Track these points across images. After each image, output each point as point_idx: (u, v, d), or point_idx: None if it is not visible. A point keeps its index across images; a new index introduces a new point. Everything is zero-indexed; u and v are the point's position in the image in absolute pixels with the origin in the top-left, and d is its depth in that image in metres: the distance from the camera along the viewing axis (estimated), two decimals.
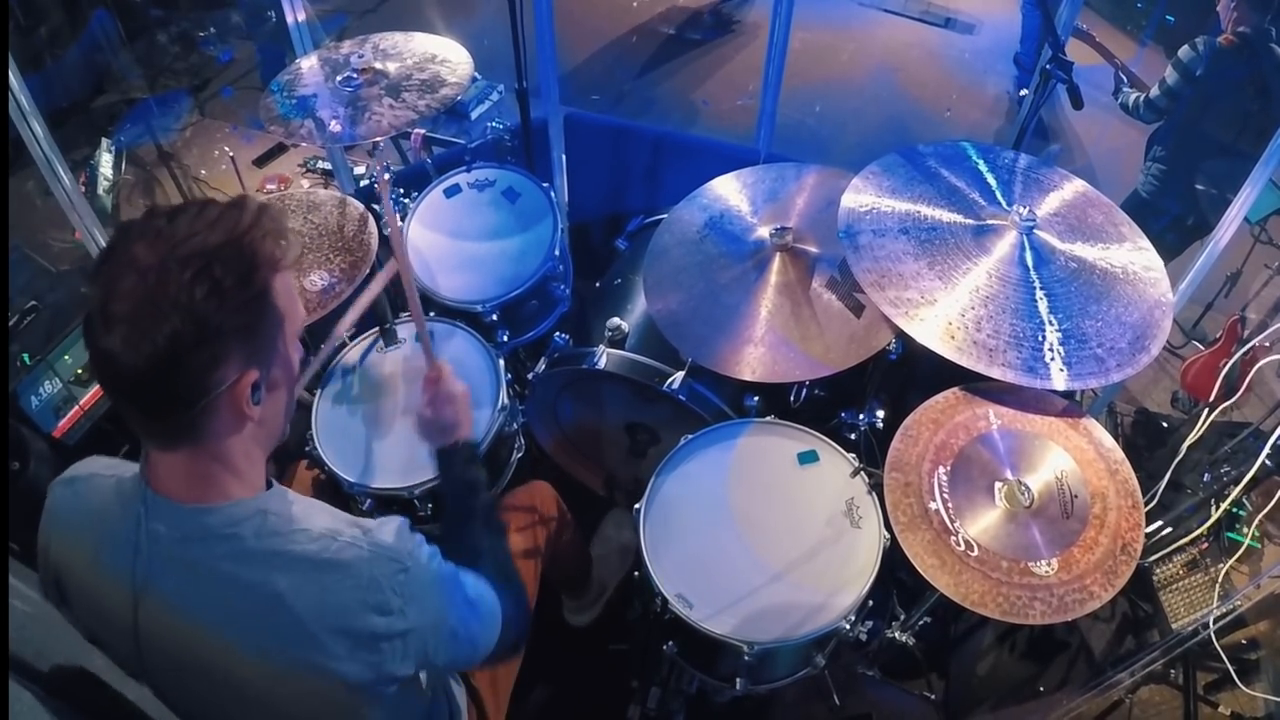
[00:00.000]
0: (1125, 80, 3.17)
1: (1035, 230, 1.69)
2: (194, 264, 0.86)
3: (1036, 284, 1.63)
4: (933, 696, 2.10)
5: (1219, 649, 1.96)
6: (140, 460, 1.00)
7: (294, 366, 1.03)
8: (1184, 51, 2.94)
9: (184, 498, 0.96)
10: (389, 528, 1.03)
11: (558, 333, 2.08)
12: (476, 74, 2.15)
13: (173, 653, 1.01)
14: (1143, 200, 3.06)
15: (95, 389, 2.24)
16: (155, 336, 0.85)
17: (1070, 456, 1.58)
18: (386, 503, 1.79)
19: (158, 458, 0.97)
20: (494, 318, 2.08)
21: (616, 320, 1.99)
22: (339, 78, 2.13)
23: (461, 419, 1.37)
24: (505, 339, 2.11)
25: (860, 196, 1.79)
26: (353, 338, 1.98)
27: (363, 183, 3.34)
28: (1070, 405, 1.65)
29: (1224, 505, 2.12)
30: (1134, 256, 1.72)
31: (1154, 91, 3.03)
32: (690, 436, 1.77)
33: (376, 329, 1.97)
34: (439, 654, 1.05)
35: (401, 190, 2.31)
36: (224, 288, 0.88)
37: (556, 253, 2.13)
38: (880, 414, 1.86)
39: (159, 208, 0.93)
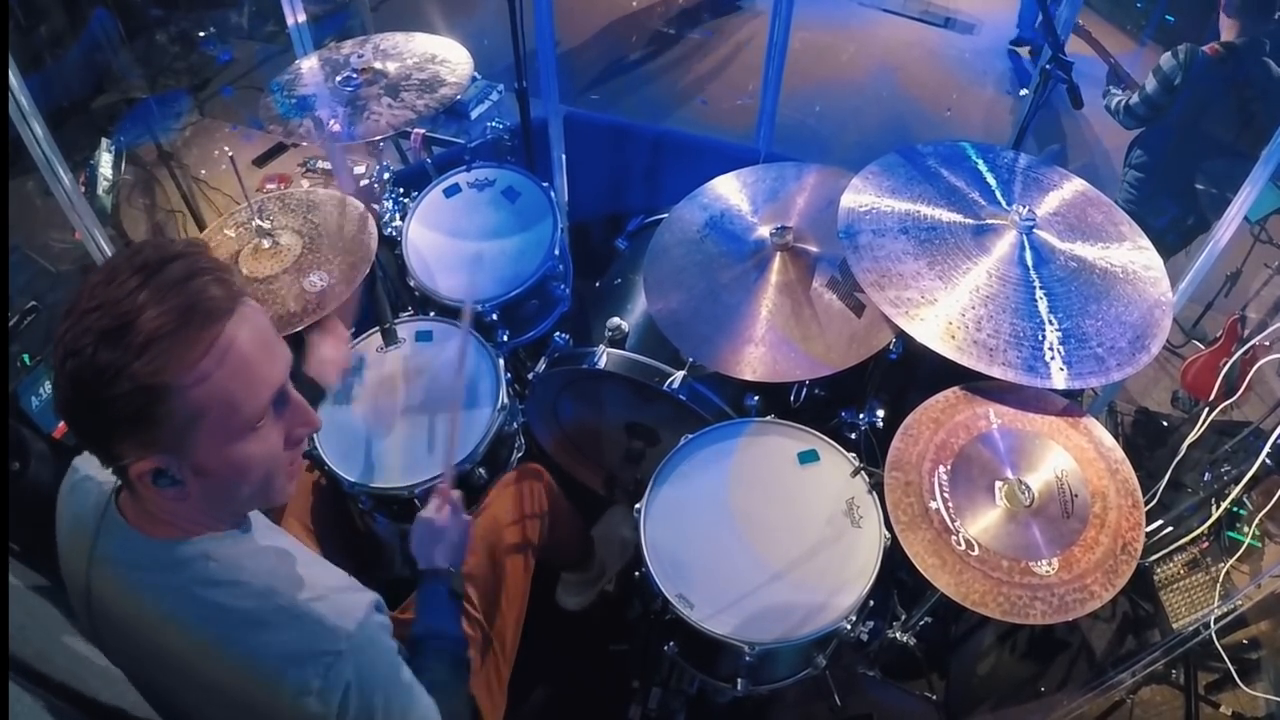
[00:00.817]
0: (1118, 81, 3.16)
1: (1035, 230, 1.69)
2: (71, 366, 0.84)
3: (1036, 283, 1.63)
4: (933, 697, 2.10)
5: (1220, 649, 1.96)
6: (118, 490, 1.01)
7: (251, 452, 0.94)
8: (1165, 59, 2.92)
9: (139, 525, 0.97)
10: (347, 601, 0.98)
11: (558, 332, 2.08)
12: (476, 74, 2.15)
13: (127, 661, 1.01)
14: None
15: None
16: (59, 396, 0.86)
17: (1070, 456, 1.58)
18: (386, 502, 1.79)
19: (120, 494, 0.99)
20: (494, 318, 2.07)
21: (616, 320, 1.99)
22: (339, 77, 2.13)
23: (460, 546, 1.37)
24: (505, 339, 2.11)
25: (860, 196, 1.79)
26: (353, 337, 1.98)
27: (362, 183, 3.33)
28: (1070, 404, 1.65)
29: (1224, 504, 2.12)
30: (1134, 256, 1.72)
31: (1134, 98, 3.02)
32: (690, 436, 1.77)
33: (376, 329, 1.97)
34: None
35: (401, 190, 2.31)
36: (89, 388, 0.83)
37: (556, 252, 2.13)
38: (880, 413, 1.86)
39: (117, 256, 0.90)
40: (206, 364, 0.87)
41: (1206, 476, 2.26)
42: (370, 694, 0.98)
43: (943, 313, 1.58)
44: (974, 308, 1.59)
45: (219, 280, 0.89)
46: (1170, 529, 2.23)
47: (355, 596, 1.01)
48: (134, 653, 1.01)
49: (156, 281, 0.85)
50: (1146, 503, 1.77)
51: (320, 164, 3.77)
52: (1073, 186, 1.84)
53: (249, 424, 0.93)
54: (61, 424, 2.18)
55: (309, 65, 2.22)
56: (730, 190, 2.03)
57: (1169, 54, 2.92)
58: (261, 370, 0.92)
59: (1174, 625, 2.15)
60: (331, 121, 2.02)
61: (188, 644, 0.96)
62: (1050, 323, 1.58)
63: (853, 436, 1.88)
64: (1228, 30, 2.88)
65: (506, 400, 1.86)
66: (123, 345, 0.83)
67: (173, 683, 1.00)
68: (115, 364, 0.83)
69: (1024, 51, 4.86)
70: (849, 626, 1.55)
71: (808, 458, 1.74)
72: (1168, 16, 4.69)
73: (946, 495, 1.52)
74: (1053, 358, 1.54)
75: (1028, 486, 1.53)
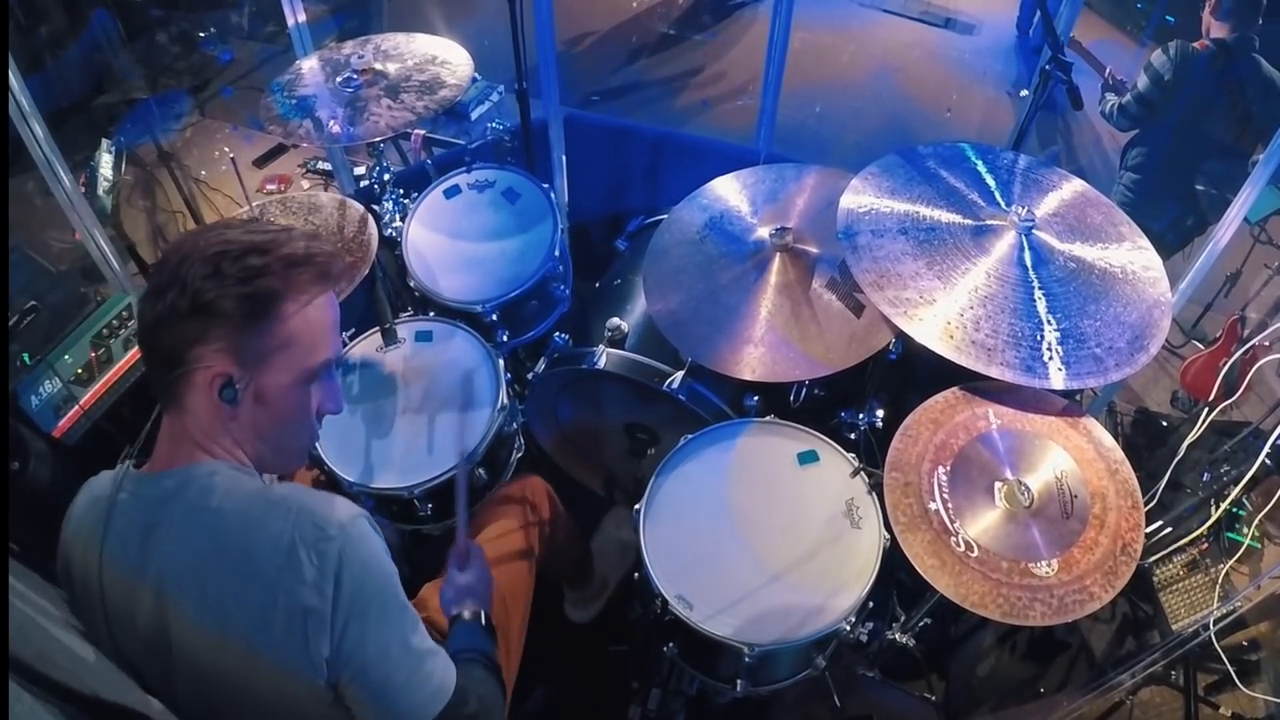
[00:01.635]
0: (1111, 88, 3.17)
1: (1034, 230, 1.69)
2: (213, 251, 0.99)
3: (1035, 284, 1.63)
4: (933, 698, 2.10)
5: (1219, 650, 1.96)
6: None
7: (300, 400, 1.07)
8: (1155, 56, 2.93)
9: (154, 468, 1.04)
10: (339, 504, 1.02)
11: (557, 333, 2.08)
12: (476, 74, 2.15)
13: (134, 620, 1.02)
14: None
15: (95, 388, 2.24)
16: (159, 301, 0.99)
17: (1070, 456, 1.58)
18: (386, 502, 1.79)
19: (162, 424, 1.05)
20: (494, 318, 2.08)
21: (616, 320, 1.99)
22: (339, 78, 2.13)
23: (488, 585, 1.43)
24: (505, 339, 2.11)
25: (859, 197, 1.79)
26: (353, 338, 1.98)
27: (363, 183, 3.34)
28: (1070, 405, 1.65)
29: (1224, 505, 2.12)
30: (1133, 256, 1.72)
31: (1127, 98, 3.02)
32: (690, 436, 1.77)
33: (377, 329, 1.97)
34: (350, 664, 0.99)
35: (401, 191, 2.31)
36: (225, 276, 0.98)
37: (556, 253, 2.13)
38: (880, 414, 1.86)
39: (249, 215, 1.08)
40: (314, 304, 1.05)
41: (1206, 477, 2.26)
42: (363, 585, 1.00)
43: (941, 313, 1.58)
44: (973, 308, 1.59)
45: (339, 256, 1.11)
46: (1170, 530, 2.23)
47: (348, 504, 1.04)
48: (143, 616, 1.01)
49: (282, 228, 1.06)
50: (1146, 503, 1.77)
51: (320, 165, 3.77)
52: (1072, 187, 1.85)
53: (312, 374, 1.07)
54: (62, 423, 2.18)
55: (309, 66, 2.22)
56: (730, 191, 2.04)
57: (1159, 50, 2.92)
58: (333, 336, 1.09)
59: (1173, 626, 2.14)
60: (331, 122, 2.03)
61: (190, 565, 0.98)
62: (1049, 323, 1.58)
63: (852, 437, 1.88)
64: (1216, 30, 2.89)
65: (506, 400, 1.86)
66: (270, 252, 1.01)
67: (180, 642, 1.00)
68: (261, 261, 1.00)
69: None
70: (848, 627, 1.55)
71: (807, 458, 1.74)
72: (1168, 17, 4.69)
73: (946, 496, 1.52)
74: (1051, 358, 1.54)
75: (1027, 487, 1.53)
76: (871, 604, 1.60)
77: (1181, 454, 2.21)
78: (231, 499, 1.00)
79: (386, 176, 2.31)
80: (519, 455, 1.99)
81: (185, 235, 1.04)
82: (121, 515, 1.02)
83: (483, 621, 1.37)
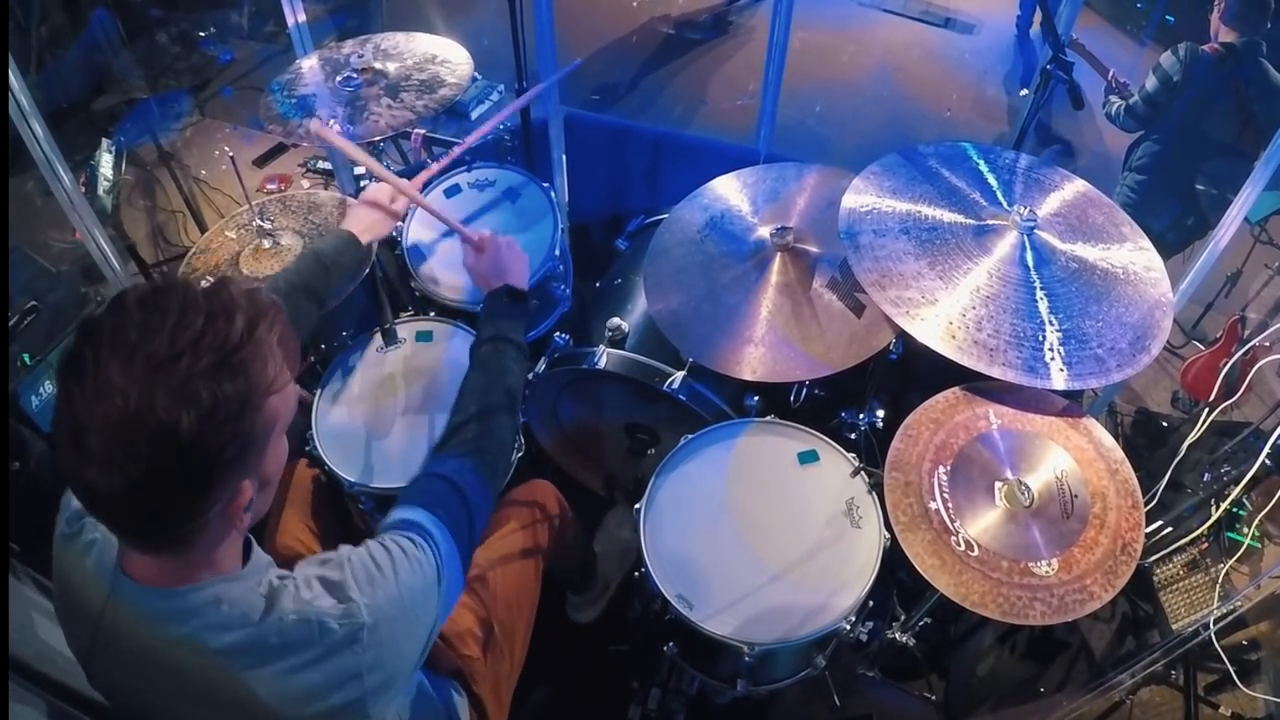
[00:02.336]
0: (1115, 90, 3.17)
1: (1036, 230, 1.69)
2: (182, 393, 0.77)
3: (1037, 284, 1.63)
4: (933, 697, 2.10)
5: (1219, 649, 1.96)
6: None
7: (284, 452, 0.94)
8: (1165, 58, 2.94)
9: (152, 583, 0.91)
10: (349, 584, 0.95)
11: (558, 333, 2.08)
12: (476, 74, 2.15)
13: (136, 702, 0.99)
14: None
15: None
16: (130, 473, 0.77)
17: (1070, 456, 1.58)
18: (386, 502, 1.79)
19: (129, 553, 0.92)
20: None
21: (616, 320, 1.99)
22: (339, 78, 2.13)
23: (514, 264, 1.54)
24: None
25: (861, 197, 1.79)
26: (352, 337, 1.98)
27: (363, 183, 3.34)
28: (1070, 405, 1.65)
29: (1224, 505, 2.12)
30: (1134, 257, 1.72)
31: (1134, 99, 3.03)
32: (690, 436, 1.77)
33: (377, 329, 1.97)
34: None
35: None
36: (217, 418, 0.79)
37: (556, 253, 2.13)
38: (880, 414, 1.86)
39: (127, 301, 0.81)
40: (278, 367, 0.87)
41: (1206, 477, 2.26)
42: (404, 625, 0.98)
43: (943, 313, 1.58)
44: (975, 308, 1.59)
45: (249, 290, 0.88)
46: (1170, 530, 2.23)
47: (348, 569, 0.98)
48: (146, 700, 0.98)
49: (230, 303, 0.83)
50: (1146, 503, 1.77)
51: (320, 164, 3.77)
52: (1074, 187, 1.85)
53: (289, 418, 0.92)
54: None
55: (309, 65, 2.22)
56: (730, 191, 2.03)
57: (1169, 52, 2.93)
58: (293, 360, 0.92)
59: (1173, 626, 2.14)
60: (331, 122, 2.03)
61: (224, 695, 0.92)
62: (1051, 323, 1.58)
63: (852, 437, 1.88)
64: (1224, 34, 2.89)
65: None
66: (241, 376, 0.81)
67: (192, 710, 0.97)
68: (241, 396, 0.81)
69: (1036, 21, 4.86)
70: (848, 627, 1.55)
71: (807, 458, 1.74)
72: (1168, 16, 4.69)
73: (946, 496, 1.52)
74: (1053, 358, 1.54)
75: (1027, 487, 1.54)
76: (871, 603, 1.60)
77: (1182, 454, 2.21)
78: (244, 634, 0.91)
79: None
80: (519, 455, 1.99)
81: (91, 361, 0.78)
82: (115, 623, 0.93)
83: (517, 298, 1.52)
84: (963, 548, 1.46)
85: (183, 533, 0.86)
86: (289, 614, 0.92)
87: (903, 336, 1.69)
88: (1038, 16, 4.71)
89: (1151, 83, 2.96)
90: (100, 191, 3.40)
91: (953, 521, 1.49)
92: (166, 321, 0.79)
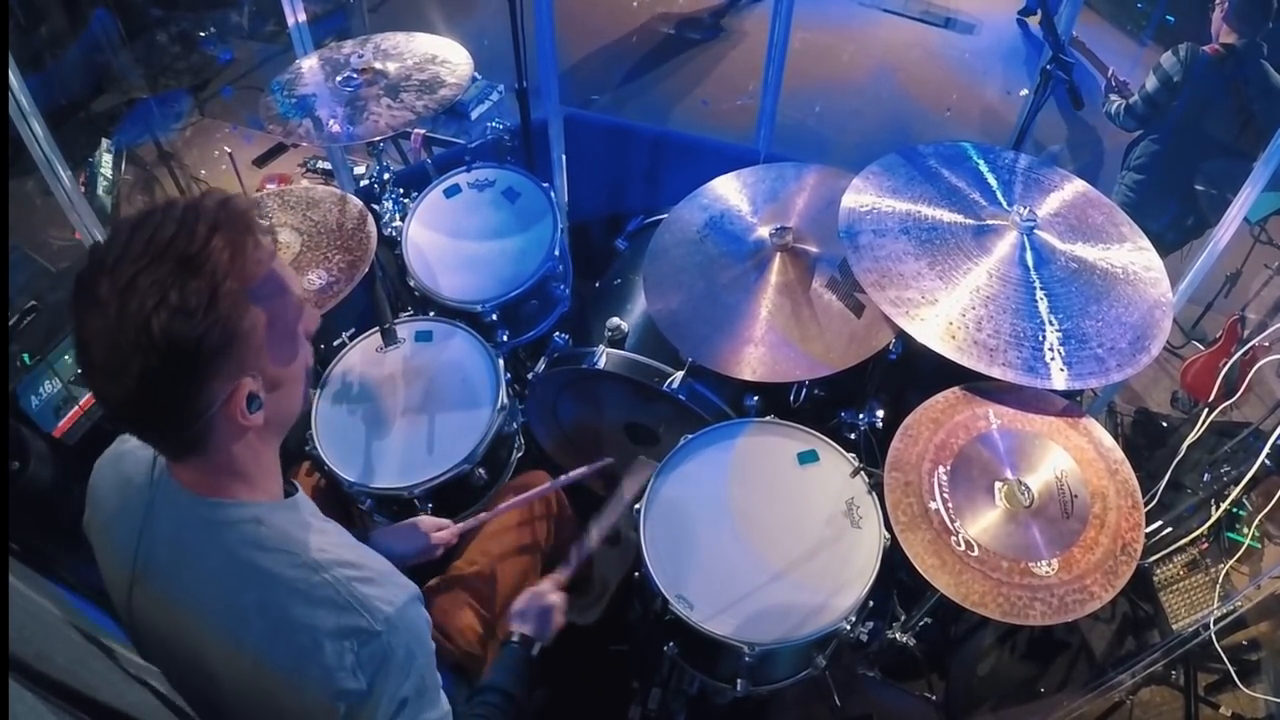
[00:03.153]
0: (1114, 89, 3.17)
1: (1036, 230, 1.69)
2: (151, 296, 0.83)
3: (1037, 284, 1.63)
4: (933, 697, 2.10)
5: (1219, 650, 1.96)
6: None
7: (299, 352, 0.99)
8: (1165, 58, 2.94)
9: (195, 489, 0.97)
10: (390, 587, 0.99)
11: (557, 333, 2.08)
12: (476, 74, 2.15)
13: (160, 635, 1.02)
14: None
15: None
16: (127, 379, 0.85)
17: (1070, 456, 1.58)
18: (386, 502, 1.79)
19: (172, 463, 0.99)
20: (494, 318, 2.08)
21: (616, 320, 1.99)
22: (339, 77, 2.13)
23: (551, 623, 1.46)
24: (505, 339, 2.11)
25: (861, 196, 1.79)
26: (352, 337, 1.98)
27: (363, 183, 3.34)
28: (1070, 405, 1.65)
29: (1224, 505, 2.12)
30: (1134, 257, 1.72)
31: (1134, 98, 3.03)
32: (690, 436, 1.77)
33: (376, 329, 1.97)
34: None
35: (401, 190, 2.30)
36: (189, 312, 0.84)
37: (556, 253, 2.13)
38: (880, 414, 1.86)
39: (120, 225, 0.88)
40: (266, 268, 0.92)
41: (1206, 477, 2.26)
42: (406, 673, 0.99)
43: (943, 313, 1.58)
44: (974, 308, 1.59)
45: (226, 198, 0.93)
46: (1170, 530, 2.23)
47: (399, 582, 1.02)
48: (169, 626, 1.01)
49: (197, 213, 0.88)
50: (1146, 503, 1.77)
51: (320, 164, 3.77)
52: (1073, 187, 1.85)
53: (296, 320, 0.98)
54: (62, 423, 2.18)
55: (309, 65, 2.22)
56: (730, 191, 2.03)
57: (1169, 53, 2.93)
58: (289, 270, 0.98)
59: (1174, 626, 2.15)
60: (331, 122, 2.02)
61: (227, 607, 0.96)
62: (1050, 323, 1.58)
63: (852, 437, 1.88)
64: (1225, 34, 2.89)
65: (506, 400, 1.86)
66: (205, 272, 0.85)
67: (204, 658, 1.00)
68: (206, 290, 0.85)
69: (1033, 21, 4.86)
70: (849, 627, 1.55)
71: (807, 458, 1.74)
72: (1168, 16, 4.69)
73: (946, 496, 1.52)
74: (1053, 358, 1.54)
75: (1027, 487, 1.53)
76: (872, 603, 1.60)
77: (1182, 454, 2.21)
78: (279, 561, 0.96)
79: (386, 176, 2.31)
80: (519, 455, 1.99)
81: (87, 280, 0.86)
82: (155, 524, 0.99)
83: (534, 652, 1.41)
84: (963, 548, 1.46)
85: (194, 434, 0.92)
86: (324, 570, 0.96)
87: (902, 336, 1.69)
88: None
89: (1152, 82, 2.96)
90: (100, 191, 3.40)
91: (953, 521, 1.49)
92: (143, 236, 0.86)
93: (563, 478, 1.68)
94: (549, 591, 1.48)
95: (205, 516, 0.97)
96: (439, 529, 1.56)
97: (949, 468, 1.56)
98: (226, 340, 0.88)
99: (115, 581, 1.04)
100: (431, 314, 2.05)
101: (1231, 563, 2.12)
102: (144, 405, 0.88)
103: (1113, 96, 3.15)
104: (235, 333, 0.89)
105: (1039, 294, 1.61)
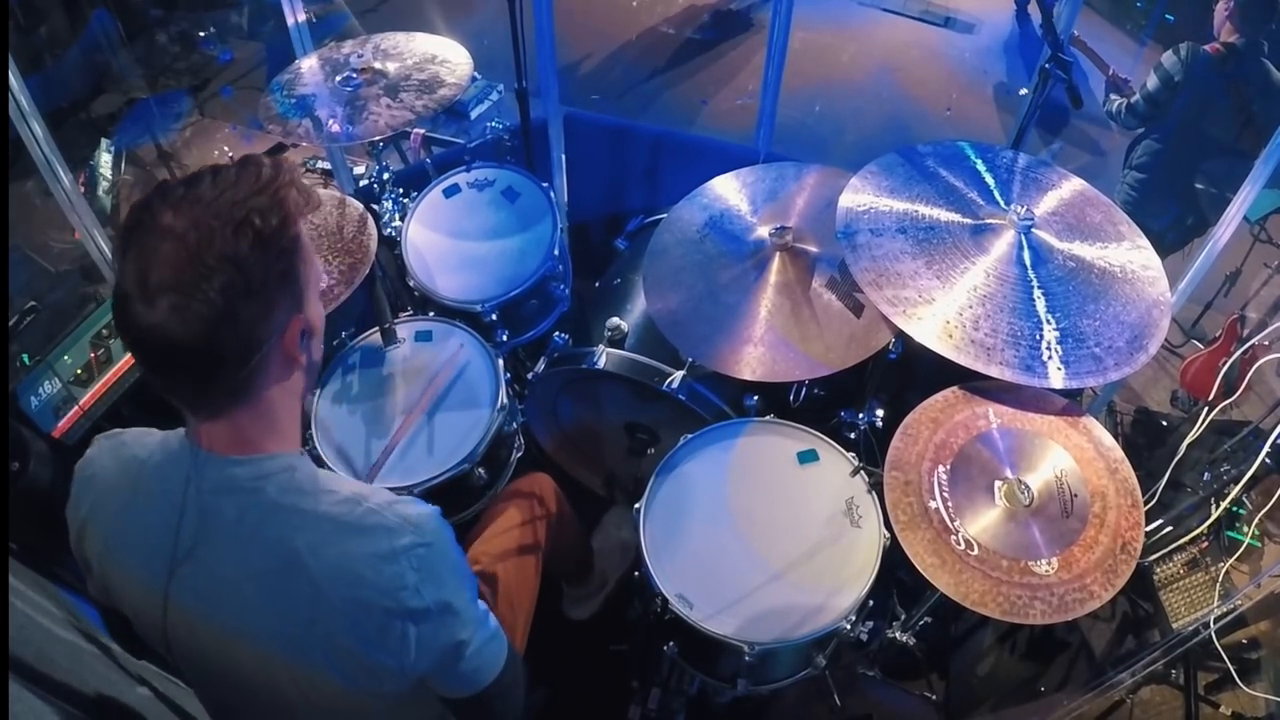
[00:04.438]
0: (1117, 90, 3.17)
1: (1033, 229, 1.69)
2: (233, 217, 0.88)
3: (1034, 283, 1.63)
4: (933, 697, 2.10)
5: (1220, 649, 1.96)
6: (187, 427, 1.00)
7: (322, 312, 1.04)
8: (1166, 57, 2.94)
9: (227, 450, 0.98)
10: (419, 507, 1.03)
11: (557, 332, 2.08)
12: (476, 74, 2.15)
13: (205, 609, 1.01)
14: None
15: (95, 389, 2.24)
16: (207, 294, 0.86)
17: (1070, 455, 1.58)
18: None
19: (203, 425, 0.98)
20: (493, 317, 2.08)
21: (616, 320, 1.99)
22: (338, 77, 2.13)
23: None
24: (505, 339, 2.11)
25: (858, 196, 1.79)
26: (352, 337, 1.98)
27: (362, 183, 3.34)
28: (1070, 404, 1.65)
29: (1224, 504, 2.12)
30: (1132, 255, 1.72)
31: (1135, 98, 3.03)
32: (690, 436, 1.77)
33: (376, 329, 1.97)
34: (442, 650, 1.02)
35: (401, 190, 2.31)
36: (265, 236, 0.90)
37: (556, 252, 2.13)
38: (880, 413, 1.86)
39: (167, 182, 0.93)
40: (301, 203, 0.97)
41: (1206, 476, 2.26)
42: (455, 574, 1.03)
43: (940, 312, 1.58)
44: (972, 307, 1.59)
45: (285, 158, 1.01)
46: (1170, 529, 2.23)
47: (421, 503, 1.04)
48: (215, 600, 1.00)
49: (245, 162, 0.96)
50: (1146, 502, 1.77)
51: (320, 164, 3.77)
52: (1071, 186, 1.84)
53: (319, 274, 1.03)
54: (62, 423, 2.18)
55: (308, 65, 2.22)
56: (730, 190, 2.03)
57: (1170, 52, 2.93)
58: (312, 200, 1.03)
59: (1174, 625, 2.14)
60: (330, 121, 2.03)
61: (279, 556, 0.96)
62: (1048, 322, 1.58)
63: (852, 436, 1.88)
64: (1227, 33, 2.89)
65: (506, 400, 1.86)
66: (278, 205, 0.93)
67: (244, 634, 1.00)
68: (279, 221, 0.92)
69: (1035, 10, 4.85)
70: (849, 626, 1.55)
71: (807, 457, 1.74)
72: (1168, 16, 4.69)
73: (946, 495, 1.52)
74: (1050, 357, 1.54)
75: (1027, 486, 1.54)
76: (872, 603, 1.60)
77: (1181, 453, 2.21)
78: (321, 501, 0.98)
79: (386, 176, 2.31)
80: (519, 455, 1.99)
81: (145, 220, 0.89)
82: (199, 496, 0.98)
83: None
84: (963, 547, 1.47)
85: (248, 372, 0.93)
86: (365, 500, 0.99)
87: (902, 336, 1.69)
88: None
89: (1153, 82, 2.96)
90: (100, 191, 3.40)
91: (952, 520, 1.49)
92: (205, 177, 0.92)
93: None
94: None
95: (243, 475, 0.97)
96: None
97: (949, 467, 1.56)
98: (292, 271, 0.95)
99: (143, 569, 1.01)
100: (431, 314, 2.05)
101: (1231, 561, 2.12)
102: (212, 334, 0.88)
103: (1114, 96, 3.14)
104: (297, 267, 0.95)
105: (1036, 293, 1.61)
